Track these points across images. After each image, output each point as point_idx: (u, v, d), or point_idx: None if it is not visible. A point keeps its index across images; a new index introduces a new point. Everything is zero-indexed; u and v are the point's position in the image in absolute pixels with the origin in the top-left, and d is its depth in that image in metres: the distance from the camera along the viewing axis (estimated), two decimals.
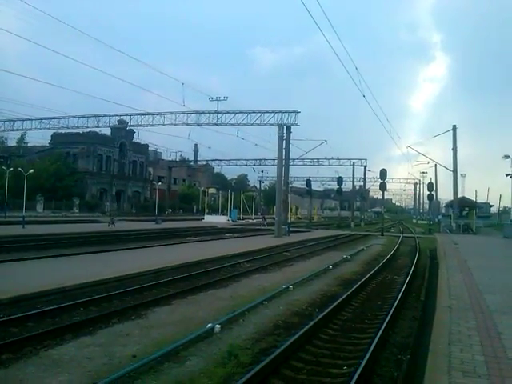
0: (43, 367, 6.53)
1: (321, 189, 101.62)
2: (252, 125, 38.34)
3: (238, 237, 33.83)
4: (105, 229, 33.62)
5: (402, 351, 7.88)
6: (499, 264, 18.51)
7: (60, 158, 68.45)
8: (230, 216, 60.79)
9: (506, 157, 42.80)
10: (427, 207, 79.82)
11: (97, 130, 58.62)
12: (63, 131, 57.11)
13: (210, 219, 57.46)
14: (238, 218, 59.71)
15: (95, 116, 43.68)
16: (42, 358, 6.91)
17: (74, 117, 44.20)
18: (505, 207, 73.41)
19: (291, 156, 41.40)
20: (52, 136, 70.33)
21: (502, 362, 5.78)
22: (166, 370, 6.67)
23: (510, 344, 6.59)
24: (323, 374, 6.74)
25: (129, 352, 7.29)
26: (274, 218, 41.26)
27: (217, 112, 38.73)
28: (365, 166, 71.59)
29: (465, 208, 52.43)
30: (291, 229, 38.79)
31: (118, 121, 47.80)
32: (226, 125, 39.27)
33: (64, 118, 44.42)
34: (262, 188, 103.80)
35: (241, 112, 38.61)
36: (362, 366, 6.51)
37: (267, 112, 37.11)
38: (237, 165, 76.65)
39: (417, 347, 8.00)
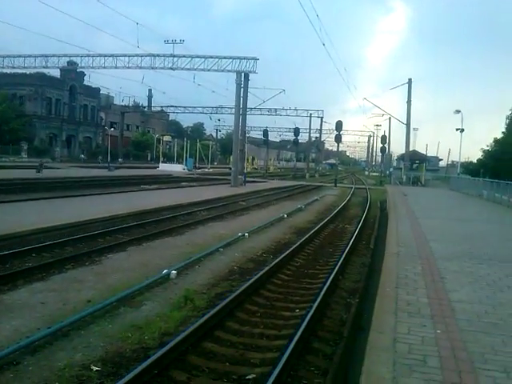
0: None
1: (277, 139, 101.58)
2: (209, 70, 37.27)
3: (193, 186, 33.67)
4: (57, 174, 32.46)
5: (351, 295, 8.26)
6: (445, 214, 19.45)
7: (5, 99, 64.57)
8: (186, 165, 60.16)
9: (457, 112, 44.01)
10: (379, 160, 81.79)
11: (45, 71, 55.47)
12: (8, 71, 53.60)
13: (165, 168, 56.59)
14: (194, 167, 59.15)
15: (43, 56, 40.99)
16: None
17: (20, 56, 41.35)
18: (453, 161, 76.43)
19: (249, 105, 41.06)
20: None
21: (443, 303, 6.17)
22: (121, 314, 6.71)
23: (451, 287, 7.02)
24: (277, 317, 6.99)
25: (83, 297, 7.27)
26: (229, 168, 41.19)
27: (172, 56, 37.36)
28: (321, 118, 71.88)
29: (415, 161, 54.13)
30: (247, 179, 38.96)
31: (67, 62, 45.33)
32: (182, 69, 37.97)
33: (9, 56, 41.44)
34: (219, 137, 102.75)
35: (198, 57, 37.39)
36: (314, 309, 6.78)
37: (225, 58, 36.13)
38: (193, 112, 74.77)
39: (365, 291, 8.39)
